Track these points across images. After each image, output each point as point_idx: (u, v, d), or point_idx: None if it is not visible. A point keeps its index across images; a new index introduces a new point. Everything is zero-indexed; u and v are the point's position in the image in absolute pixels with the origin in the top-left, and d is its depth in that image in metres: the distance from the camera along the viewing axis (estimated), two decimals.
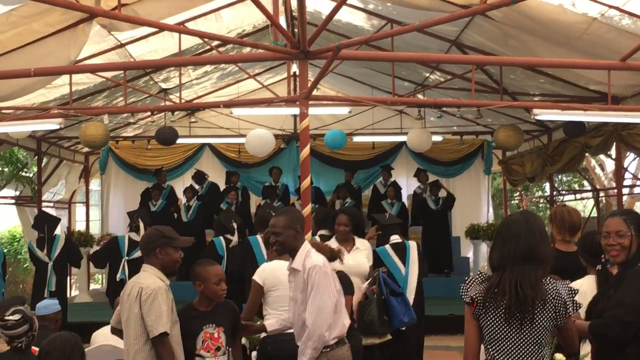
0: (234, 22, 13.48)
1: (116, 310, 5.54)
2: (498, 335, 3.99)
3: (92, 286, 20.83)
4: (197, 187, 17.87)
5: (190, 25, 11.75)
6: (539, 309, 3.94)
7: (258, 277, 6.29)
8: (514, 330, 3.95)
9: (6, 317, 5.67)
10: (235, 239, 10.98)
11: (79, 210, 20.74)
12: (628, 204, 21.20)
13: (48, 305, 7.60)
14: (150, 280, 5.22)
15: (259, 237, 8.80)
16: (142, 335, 5.14)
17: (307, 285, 5.35)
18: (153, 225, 6.70)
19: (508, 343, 3.97)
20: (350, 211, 8.32)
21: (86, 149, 18.36)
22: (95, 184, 20.95)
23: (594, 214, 18.07)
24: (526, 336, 3.96)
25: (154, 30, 11.56)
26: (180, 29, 10.44)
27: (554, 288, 4.01)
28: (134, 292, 5.17)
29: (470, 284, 4.11)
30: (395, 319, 7.44)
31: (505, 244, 4.03)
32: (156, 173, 18.00)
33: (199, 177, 17.94)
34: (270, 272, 6.27)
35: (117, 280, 11.88)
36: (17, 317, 5.66)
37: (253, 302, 6.28)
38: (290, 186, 18.36)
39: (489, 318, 4.01)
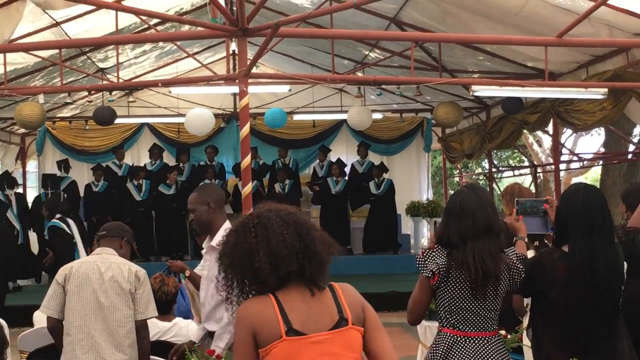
0: (172, 1, 13.32)
1: None
2: (461, 306, 4.06)
3: None
4: (149, 162, 17.84)
5: (128, 3, 11.56)
6: (502, 279, 4.06)
7: None
8: (477, 300, 4.04)
9: None
10: None
11: None
12: (565, 179, 21.60)
13: None
14: None
15: None
16: None
17: None
18: None
19: (471, 313, 4.06)
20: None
21: (22, 130, 18.00)
22: (32, 166, 20.58)
23: (532, 189, 18.32)
24: (488, 304, 4.06)
25: (90, 8, 11.37)
26: (117, 6, 10.28)
27: (508, 257, 4.17)
28: None
29: (428, 257, 4.14)
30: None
31: (462, 221, 4.10)
32: (114, 151, 18.00)
33: (155, 150, 17.91)
34: None
35: None
36: None
37: None
38: (230, 165, 18.27)
39: (451, 290, 4.08)
